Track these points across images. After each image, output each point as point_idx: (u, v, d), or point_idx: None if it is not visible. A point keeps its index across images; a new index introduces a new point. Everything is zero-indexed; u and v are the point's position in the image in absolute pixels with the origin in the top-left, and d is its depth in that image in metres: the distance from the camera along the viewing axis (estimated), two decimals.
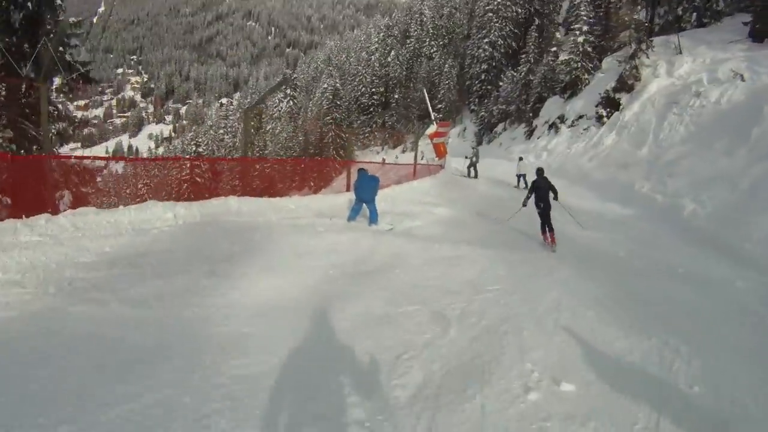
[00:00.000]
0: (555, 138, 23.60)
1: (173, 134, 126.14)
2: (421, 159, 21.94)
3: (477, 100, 47.03)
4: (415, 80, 54.51)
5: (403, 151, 46.51)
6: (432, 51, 55.44)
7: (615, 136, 18.05)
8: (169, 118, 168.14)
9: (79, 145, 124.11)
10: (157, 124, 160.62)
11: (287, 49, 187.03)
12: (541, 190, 8.57)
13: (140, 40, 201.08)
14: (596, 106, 21.12)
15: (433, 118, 22.77)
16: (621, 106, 19.23)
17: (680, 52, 18.39)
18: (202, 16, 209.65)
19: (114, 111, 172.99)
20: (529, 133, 29.50)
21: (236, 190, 9.15)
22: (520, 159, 17.66)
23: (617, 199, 13.25)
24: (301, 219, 8.07)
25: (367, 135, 52.82)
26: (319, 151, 42.15)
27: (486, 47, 46.11)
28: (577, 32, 24.83)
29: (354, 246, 6.72)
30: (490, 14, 45.15)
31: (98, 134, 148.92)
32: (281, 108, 50.56)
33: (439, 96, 49.77)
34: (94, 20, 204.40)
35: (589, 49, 24.76)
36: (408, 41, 60.00)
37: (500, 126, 40.74)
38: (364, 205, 8.41)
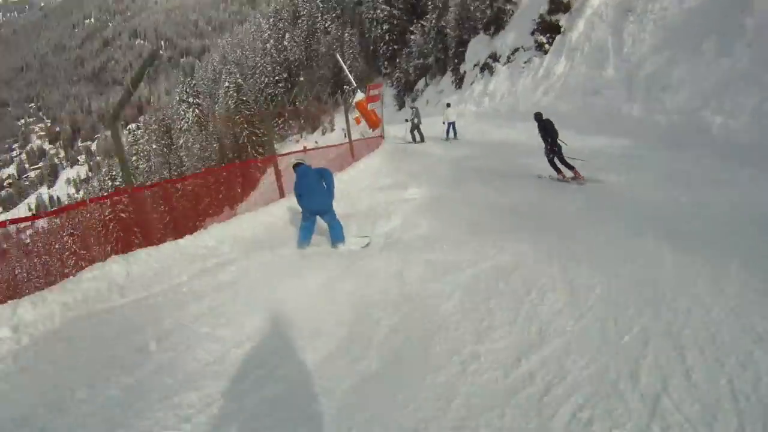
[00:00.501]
0: (492, 79, 21.39)
1: (90, 174, 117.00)
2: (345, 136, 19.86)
3: (386, 62, 45.06)
4: (317, 58, 53.05)
5: (323, 133, 45.41)
6: (327, 25, 53.55)
7: (565, 62, 16.01)
8: (82, 158, 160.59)
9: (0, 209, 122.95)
10: (72, 167, 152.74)
11: (181, 59, 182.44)
12: (550, 134, 8.15)
13: (34, 85, 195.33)
14: (532, 34, 19.02)
15: (355, 85, 19.70)
16: (562, 29, 17.20)
17: None
18: (89, 47, 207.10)
19: (26, 165, 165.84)
20: (459, 81, 27.21)
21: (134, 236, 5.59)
22: (448, 105, 16.73)
23: (603, 131, 11.09)
24: (229, 266, 4.86)
25: (281, 125, 51.22)
26: (238, 154, 40.33)
27: (383, 6, 44.05)
28: None
29: (337, 309, 3.67)
30: None
31: (16, 193, 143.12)
32: (188, 119, 47.46)
33: (346, 67, 47.76)
34: None
35: None
36: (300, 21, 58.09)
37: (420, 82, 38.58)
38: (317, 218, 5.33)
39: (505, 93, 19.28)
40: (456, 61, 28.28)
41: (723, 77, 9.22)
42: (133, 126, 78.73)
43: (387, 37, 44.89)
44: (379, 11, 44.11)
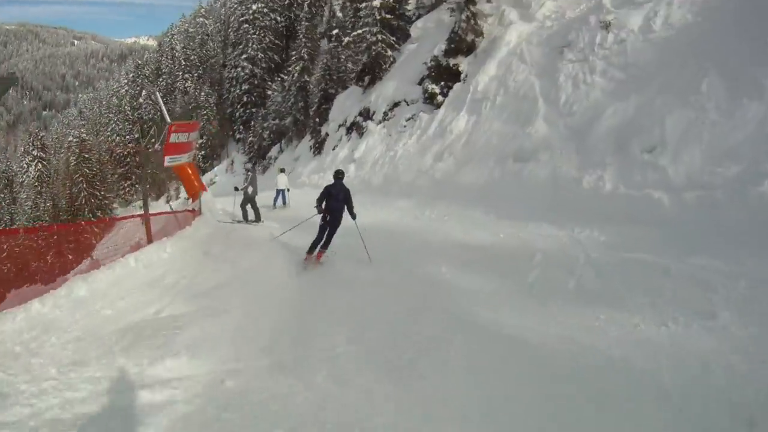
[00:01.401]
0: (362, 142, 17.12)
1: None
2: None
3: (242, 127, 42.01)
4: (172, 118, 47.45)
5: (168, 201, 40.56)
6: (186, 84, 53.02)
7: (468, 116, 12.12)
8: None
9: None
10: None
11: (44, 112, 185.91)
12: (335, 199, 7.14)
13: None
14: (420, 83, 15.39)
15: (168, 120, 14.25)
16: (463, 75, 13.65)
17: None
18: None
19: None
20: (319, 146, 22.80)
21: None
22: (281, 171, 16.00)
23: (557, 214, 6.89)
24: None
25: (127, 189, 51.28)
26: (72, 216, 39.16)
27: (245, 64, 41.81)
28: None
29: None
30: (246, 26, 41.48)
31: None
32: (30, 174, 47.65)
33: (199, 131, 44.56)
34: None
35: (390, 17, 19.40)
36: (160, 79, 58.29)
37: (275, 148, 34.10)
38: None
39: (380, 159, 14.91)
40: (317, 120, 24.06)
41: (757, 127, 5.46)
42: None
43: (245, 99, 42.30)
44: (240, 69, 41.89)
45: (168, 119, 13.99)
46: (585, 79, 9.37)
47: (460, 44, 13.75)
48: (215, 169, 44.30)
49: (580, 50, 9.98)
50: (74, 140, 45.46)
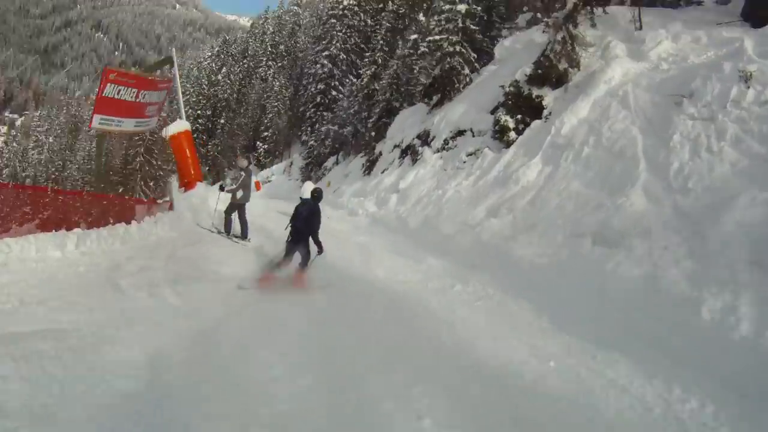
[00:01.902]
0: (412, 171, 15.26)
1: (4, 147, 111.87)
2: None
3: (310, 128, 41.77)
4: (246, 103, 52.94)
5: (222, 189, 39.76)
6: (268, 72, 53.62)
7: (543, 165, 9.96)
8: (3, 128, 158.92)
9: None
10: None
11: (132, 68, 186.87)
12: (298, 218, 6.90)
13: None
14: (492, 111, 13.36)
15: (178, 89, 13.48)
16: (545, 110, 11.51)
17: (640, 28, 11.75)
18: (51, 20, 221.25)
19: None
20: (370, 166, 21.17)
21: None
22: (308, 179, 16.56)
23: (656, 358, 4.58)
24: None
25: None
26: (124, 179, 40.22)
27: (324, 62, 40.76)
28: None
29: None
30: (333, 21, 40.77)
31: None
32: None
33: (266, 122, 47.26)
34: None
35: (475, 28, 17.52)
36: (244, 61, 59.58)
37: (331, 159, 33.00)
38: None
39: (425, 197, 12.97)
40: (373, 134, 22.46)
41: None
42: (39, 113, 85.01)
43: (318, 99, 41.26)
44: (319, 66, 41.07)
45: (179, 88, 13.08)
46: (710, 145, 6.99)
47: (549, 71, 11.59)
48: (274, 167, 44.13)
49: (706, 105, 7.61)
50: None
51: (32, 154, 60.41)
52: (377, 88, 27.61)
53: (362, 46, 39.95)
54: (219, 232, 9.96)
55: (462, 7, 16.96)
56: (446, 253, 9.10)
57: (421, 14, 24.72)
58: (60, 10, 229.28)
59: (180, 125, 12.77)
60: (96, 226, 7.71)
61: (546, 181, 9.42)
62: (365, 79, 29.38)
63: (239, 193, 9.94)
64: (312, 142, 36.99)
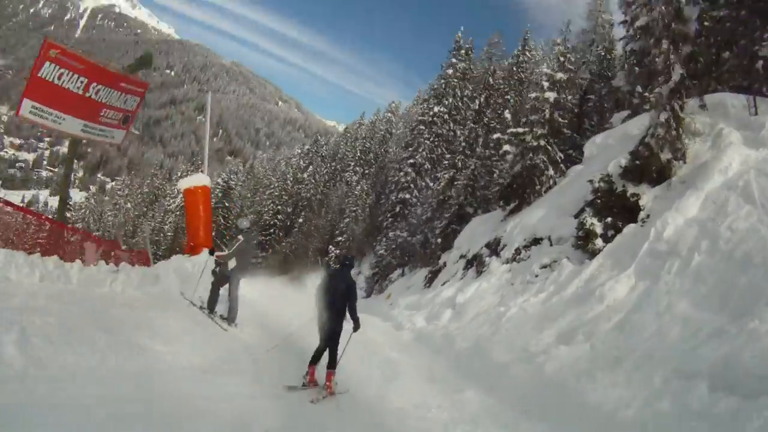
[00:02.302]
0: (473, 284, 13.33)
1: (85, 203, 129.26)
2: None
3: (384, 239, 39.81)
4: (327, 205, 53.31)
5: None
6: (353, 177, 53.63)
7: (636, 279, 7.84)
8: (93, 188, 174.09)
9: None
10: (80, 191, 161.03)
11: (228, 157, 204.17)
12: (330, 293, 6.28)
13: None
14: (576, 215, 11.44)
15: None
16: (642, 212, 9.49)
17: (755, 113, 9.85)
18: (157, 95, 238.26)
19: (44, 162, 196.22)
20: (431, 278, 19.41)
21: None
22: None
23: None
24: None
25: (258, 260, 49.49)
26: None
27: (408, 170, 39.46)
28: (545, 82, 16.05)
29: None
30: (422, 128, 40.02)
31: (21, 180, 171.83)
32: (176, 201, 49.13)
33: (341, 226, 46.40)
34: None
35: (563, 122, 16.11)
36: (332, 163, 60.82)
37: (397, 272, 31.62)
38: None
39: (483, 314, 10.97)
40: (439, 242, 20.89)
41: None
42: (123, 178, 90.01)
43: (397, 209, 39.60)
44: (402, 174, 39.84)
45: (208, 130, 11.99)
46: None
47: (649, 163, 9.71)
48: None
49: None
50: (221, 183, 47.45)
51: (108, 216, 63.51)
52: (452, 194, 26.48)
53: (448, 157, 39.25)
54: (201, 308, 8.23)
55: (550, 96, 15.63)
56: (493, 387, 7.00)
57: (507, 111, 23.78)
58: (168, 86, 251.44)
59: (199, 179, 11.63)
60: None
61: (640, 300, 7.29)
62: (442, 183, 28.31)
63: (232, 262, 8.22)
64: (382, 251, 35.67)
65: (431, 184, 31.95)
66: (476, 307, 11.61)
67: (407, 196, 38.61)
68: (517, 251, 13.02)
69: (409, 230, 30.32)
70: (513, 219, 15.26)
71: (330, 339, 6.22)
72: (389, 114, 62.46)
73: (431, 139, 38.84)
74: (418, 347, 10.80)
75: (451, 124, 39.02)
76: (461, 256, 17.13)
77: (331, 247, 46.17)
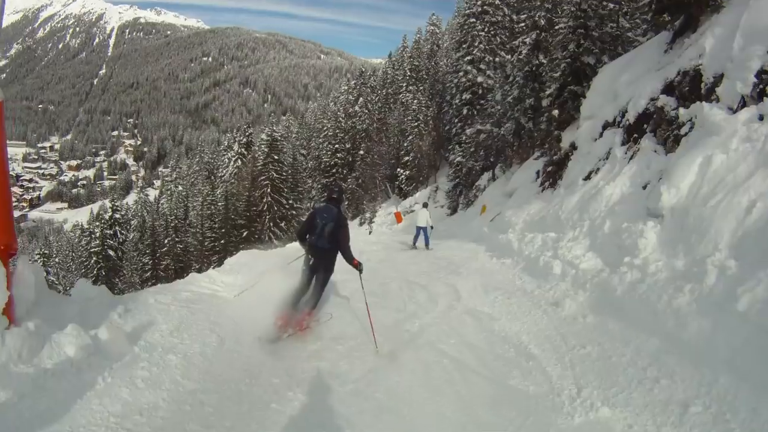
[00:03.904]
0: (682, 161, 6.66)
1: (158, 199, 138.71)
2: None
3: (457, 146, 36.01)
4: (386, 131, 52.06)
5: (361, 224, 41.99)
6: (407, 97, 50.09)
7: None
8: (157, 183, 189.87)
9: (66, 205, 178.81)
10: (142, 189, 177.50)
11: (282, 117, 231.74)
12: (318, 231, 5.89)
13: (138, 103, 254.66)
14: None
15: None
16: None
17: None
18: (200, 82, 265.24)
19: (105, 173, 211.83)
20: (552, 173, 12.85)
21: None
22: (424, 205, 16.88)
23: None
24: None
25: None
26: (248, 221, 40.31)
27: (468, 68, 35.40)
28: None
29: None
30: (473, 20, 35.45)
31: (86, 195, 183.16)
32: (229, 169, 51.29)
33: (406, 145, 43.89)
34: (94, 82, 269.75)
35: None
36: (383, 90, 59.31)
37: (485, 176, 25.60)
38: None
39: (731, 210, 4.45)
40: (554, 128, 14.03)
41: None
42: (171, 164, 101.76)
43: (464, 111, 35.96)
44: (462, 75, 36.25)
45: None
46: None
47: None
48: (417, 194, 39.11)
49: None
50: (266, 138, 44.89)
51: (162, 204, 63.07)
52: (542, 62, 19.51)
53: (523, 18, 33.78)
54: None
55: None
56: None
57: None
58: (208, 72, 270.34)
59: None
60: None
61: None
62: (523, 51, 21.22)
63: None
64: (458, 158, 30.71)
65: (508, 57, 24.98)
66: (710, 207, 5.22)
67: (470, 96, 34.96)
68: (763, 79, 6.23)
69: (492, 121, 23.51)
70: (707, 33, 8.18)
71: (322, 280, 5.96)
72: (432, 27, 59.38)
73: (486, 29, 34.93)
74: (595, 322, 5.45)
75: (505, 10, 34.73)
76: (607, 125, 10.40)
77: (399, 170, 43.84)
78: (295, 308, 5.79)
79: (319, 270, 5.86)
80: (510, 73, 22.82)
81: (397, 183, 43.73)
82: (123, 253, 40.09)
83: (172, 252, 41.06)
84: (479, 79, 34.10)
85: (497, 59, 32.92)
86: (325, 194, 6.39)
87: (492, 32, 34.61)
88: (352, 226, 42.69)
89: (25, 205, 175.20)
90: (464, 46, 36.10)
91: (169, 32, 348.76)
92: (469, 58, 35.08)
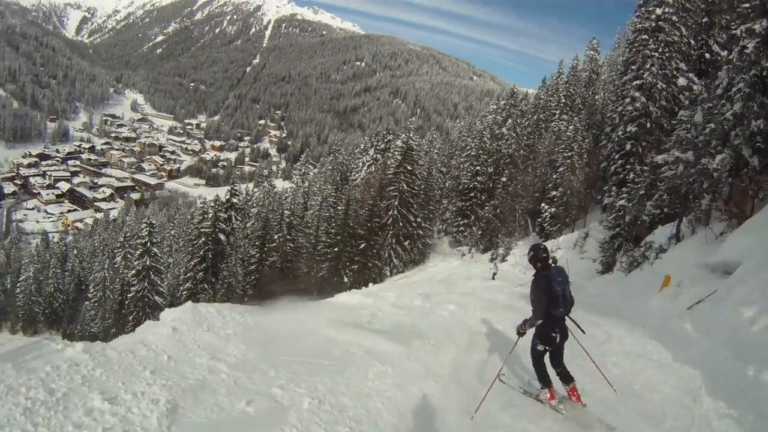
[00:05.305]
0: None
1: (293, 194, 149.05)
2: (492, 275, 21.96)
3: (614, 188, 31.69)
4: (534, 159, 48.82)
5: (493, 259, 37.92)
6: (562, 125, 46.88)
7: None
8: (296, 178, 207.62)
9: (203, 182, 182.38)
10: (283, 180, 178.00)
11: (428, 132, 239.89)
12: (561, 298, 5.86)
13: (287, 97, 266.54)
14: None
15: None
16: None
17: None
18: (350, 86, 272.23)
19: (246, 158, 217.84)
20: None
21: None
22: (554, 261, 12.85)
23: None
24: None
25: (459, 228, 49.16)
26: (368, 233, 38.34)
27: (636, 94, 30.56)
28: None
29: None
30: (644, 37, 30.64)
31: (224, 177, 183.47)
32: (361, 174, 50.55)
33: (555, 177, 39.65)
34: (247, 70, 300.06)
35: None
36: (534, 116, 55.80)
37: (664, 231, 18.92)
38: None
39: None
40: None
41: None
42: (301, 159, 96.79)
43: (628, 147, 31.12)
44: (627, 101, 31.27)
45: None
46: None
47: None
48: (561, 238, 34.50)
49: None
50: (400, 145, 42.52)
51: (286, 197, 63.18)
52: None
53: (687, 75, 29.19)
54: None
55: None
56: None
57: None
58: (360, 77, 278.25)
59: None
60: None
61: None
62: (749, 46, 13.98)
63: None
64: (621, 202, 24.78)
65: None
66: None
67: (635, 128, 30.56)
68: None
69: (689, 147, 16.23)
70: None
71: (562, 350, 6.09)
72: (591, 52, 55.84)
73: (659, 49, 30.31)
74: None
75: (683, 30, 30.42)
76: None
77: (543, 205, 39.49)
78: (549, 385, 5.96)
79: (564, 338, 5.86)
80: (724, 80, 15.27)
81: (539, 220, 39.01)
82: (234, 240, 37.77)
83: (282, 249, 38.39)
84: (651, 108, 28.62)
85: (671, 88, 28.05)
86: (533, 254, 5.94)
87: (666, 54, 29.14)
88: (482, 259, 38.47)
89: (163, 174, 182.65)
90: (632, 68, 31.27)
91: (324, 32, 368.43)
92: (638, 82, 29.81)
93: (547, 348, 5.86)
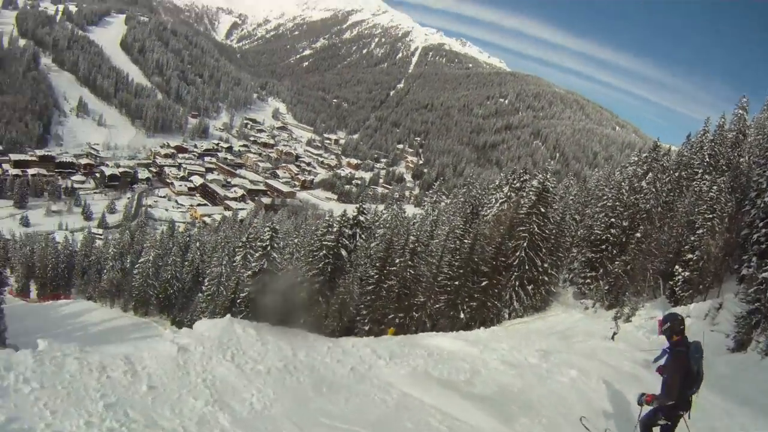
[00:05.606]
0: None
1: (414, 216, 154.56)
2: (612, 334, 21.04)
3: (755, 258, 28.99)
4: (671, 219, 45.41)
5: (617, 317, 33.85)
6: (704, 186, 43.45)
7: None
8: (426, 205, 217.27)
9: (335, 197, 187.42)
10: (414, 206, 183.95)
11: (565, 177, 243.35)
12: (694, 377, 5.64)
13: (428, 125, 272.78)
14: None
15: None
16: None
17: None
18: (492, 121, 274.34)
19: (380, 180, 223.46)
20: None
21: None
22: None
23: None
24: None
25: (586, 279, 45.83)
26: (492, 271, 37.20)
27: None
28: None
29: None
30: None
31: (356, 194, 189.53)
32: (493, 209, 48.39)
33: (693, 239, 37.49)
34: (390, 93, 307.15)
35: None
36: (675, 172, 52.71)
37: None
38: None
39: None
40: None
41: None
42: (434, 189, 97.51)
43: None
44: None
45: None
46: None
47: None
48: (691, 306, 32.02)
49: None
50: (536, 186, 41.50)
51: (414, 223, 63.56)
52: None
53: None
54: None
55: None
56: None
57: None
58: (502, 114, 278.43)
59: None
60: None
61: None
62: None
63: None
64: (765, 275, 23.00)
65: None
66: None
67: None
68: None
69: None
70: None
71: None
72: (740, 111, 51.13)
73: None
74: None
75: None
76: None
77: (677, 267, 36.00)
78: None
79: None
80: None
81: (670, 283, 36.02)
82: (355, 258, 39.53)
83: (401, 274, 38.62)
84: None
85: None
86: (669, 325, 5.59)
87: None
88: (605, 316, 38.41)
89: (297, 183, 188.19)
90: None
91: (470, 65, 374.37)
92: None
93: (669, 423, 5.61)
